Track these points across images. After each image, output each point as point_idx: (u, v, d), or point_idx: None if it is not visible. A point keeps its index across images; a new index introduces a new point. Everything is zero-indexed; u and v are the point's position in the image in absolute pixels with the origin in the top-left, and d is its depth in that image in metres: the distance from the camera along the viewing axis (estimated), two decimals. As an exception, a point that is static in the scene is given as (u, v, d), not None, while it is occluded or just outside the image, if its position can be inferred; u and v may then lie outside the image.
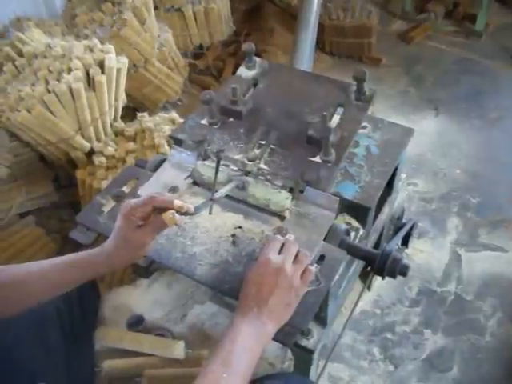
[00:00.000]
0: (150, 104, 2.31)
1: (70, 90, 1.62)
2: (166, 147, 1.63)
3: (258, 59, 1.38)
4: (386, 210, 1.36)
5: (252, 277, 0.85)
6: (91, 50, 1.76)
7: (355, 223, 1.13)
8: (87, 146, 1.75)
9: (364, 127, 1.27)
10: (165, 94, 2.34)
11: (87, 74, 1.69)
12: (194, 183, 1.15)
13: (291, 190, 1.08)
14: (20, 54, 1.83)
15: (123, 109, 1.92)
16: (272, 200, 1.08)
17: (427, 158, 2.23)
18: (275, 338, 0.85)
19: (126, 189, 1.15)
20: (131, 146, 1.71)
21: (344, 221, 1.12)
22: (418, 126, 2.06)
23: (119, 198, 1.12)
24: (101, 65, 1.71)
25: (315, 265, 0.96)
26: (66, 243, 1.83)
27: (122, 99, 1.89)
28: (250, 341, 0.79)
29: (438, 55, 2.91)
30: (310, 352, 1.07)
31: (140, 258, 0.93)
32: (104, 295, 1.62)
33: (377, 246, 1.41)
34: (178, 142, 1.23)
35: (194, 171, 1.14)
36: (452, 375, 1.51)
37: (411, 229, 1.47)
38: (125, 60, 1.79)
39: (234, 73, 1.43)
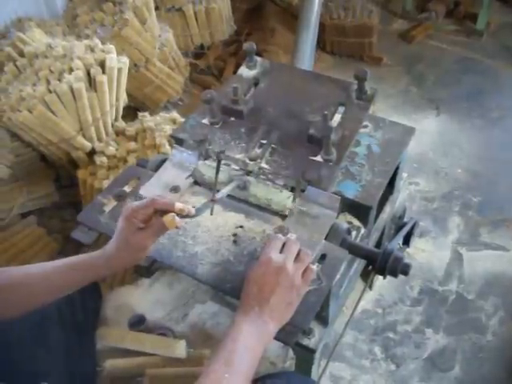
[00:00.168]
0: (151, 104, 2.31)
1: (71, 89, 1.62)
2: (167, 147, 1.63)
3: (258, 59, 1.38)
4: (388, 209, 1.36)
5: (253, 276, 0.85)
6: (92, 49, 1.76)
7: (356, 222, 1.13)
8: (88, 145, 1.76)
9: (365, 126, 1.27)
10: (166, 94, 2.34)
11: (88, 73, 1.69)
12: (195, 183, 1.15)
13: (292, 190, 1.08)
14: (21, 54, 1.83)
15: (124, 108, 1.92)
16: (273, 199, 1.08)
17: (428, 158, 2.23)
18: (277, 338, 0.85)
19: (127, 188, 1.15)
20: (132, 145, 1.71)
21: (345, 220, 1.12)
22: (419, 125, 2.05)
23: (120, 197, 1.13)
24: (102, 65, 1.71)
25: (316, 264, 0.96)
26: (68, 243, 1.83)
27: (123, 99, 1.89)
28: (252, 340, 0.79)
29: (439, 54, 2.90)
30: (312, 351, 1.07)
31: (141, 261, 0.93)
32: (106, 295, 1.63)
33: (378, 245, 1.41)
34: (179, 142, 1.23)
35: (195, 171, 1.14)
36: (454, 374, 1.50)
37: (413, 228, 1.47)
38: (126, 60, 1.80)
39: (235, 72, 1.43)
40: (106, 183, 1.59)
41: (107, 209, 1.12)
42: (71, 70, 1.67)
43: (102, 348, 1.45)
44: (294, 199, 1.08)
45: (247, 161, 1.12)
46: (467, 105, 2.53)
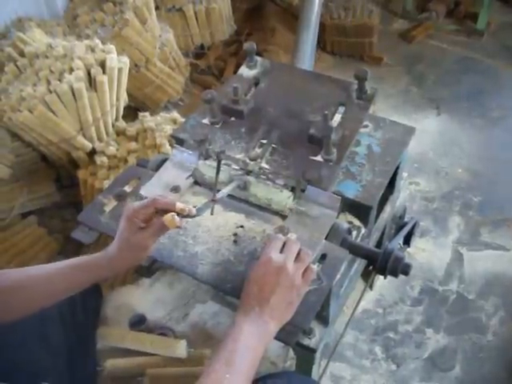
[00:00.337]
0: (151, 104, 2.31)
1: (72, 89, 1.63)
2: (168, 147, 1.63)
3: (259, 58, 1.38)
4: (388, 209, 1.36)
5: (254, 276, 0.85)
6: (92, 50, 1.76)
7: (357, 222, 1.13)
8: (89, 145, 1.76)
9: (365, 126, 1.27)
10: (166, 94, 2.34)
11: (89, 74, 1.69)
12: (196, 183, 1.15)
13: (293, 189, 1.08)
14: (22, 54, 1.83)
15: (125, 108, 1.92)
16: (274, 199, 1.08)
17: (429, 157, 2.23)
18: (277, 337, 0.85)
19: (127, 188, 1.15)
20: (133, 145, 1.71)
21: (346, 220, 1.12)
22: (419, 125, 2.05)
23: (121, 197, 1.13)
24: (102, 65, 1.71)
25: (317, 264, 0.96)
26: (68, 243, 1.83)
27: (124, 99, 1.89)
28: (253, 340, 0.79)
29: (440, 54, 2.90)
30: (312, 351, 1.07)
31: (142, 261, 0.93)
32: (106, 295, 1.63)
33: (379, 244, 1.41)
34: (180, 142, 1.23)
35: (196, 171, 1.14)
36: (454, 374, 1.50)
37: (413, 228, 1.46)
38: (126, 60, 1.80)
39: (235, 72, 1.43)
40: (106, 183, 1.59)
41: (108, 209, 1.12)
42: (72, 70, 1.67)
43: (102, 348, 1.46)
44: (294, 199, 1.08)
45: (247, 161, 1.12)
46: (468, 104, 2.53)
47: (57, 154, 1.79)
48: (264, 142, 1.16)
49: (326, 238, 1.01)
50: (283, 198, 1.08)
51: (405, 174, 1.45)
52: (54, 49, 1.75)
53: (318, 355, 1.13)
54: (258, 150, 1.14)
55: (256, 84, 1.34)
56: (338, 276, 0.99)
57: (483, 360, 1.54)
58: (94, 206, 1.13)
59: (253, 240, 1.02)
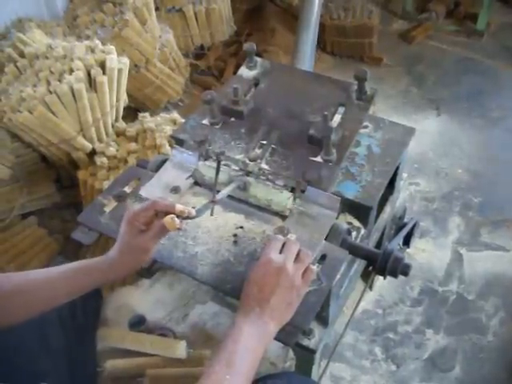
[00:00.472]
0: (151, 104, 2.31)
1: (72, 90, 1.63)
2: (168, 147, 1.63)
3: (259, 59, 1.38)
4: (388, 210, 1.36)
5: (253, 276, 0.85)
6: (92, 50, 1.76)
7: (357, 223, 1.13)
8: (89, 146, 1.76)
9: (365, 127, 1.27)
10: (166, 95, 2.35)
11: (88, 74, 1.69)
12: (196, 183, 1.15)
13: (293, 190, 1.08)
14: (21, 54, 1.83)
15: (124, 109, 1.92)
16: (273, 200, 1.08)
17: (429, 158, 2.23)
18: (277, 338, 0.85)
19: (127, 189, 1.16)
20: (133, 146, 1.71)
21: (345, 220, 1.12)
22: (419, 125, 2.06)
23: (121, 198, 1.13)
24: (102, 65, 1.71)
25: (317, 264, 0.96)
26: (68, 244, 1.83)
27: (124, 100, 1.89)
28: (253, 341, 0.79)
29: (440, 55, 2.91)
30: (312, 352, 1.07)
31: (144, 264, 0.93)
32: (106, 296, 1.63)
33: (378, 245, 1.41)
34: (180, 142, 1.23)
35: (196, 171, 1.14)
36: (454, 375, 1.50)
37: (413, 228, 1.46)
38: (126, 60, 1.80)
39: (235, 73, 1.43)
40: (106, 184, 1.59)
41: (107, 209, 1.12)
42: (71, 71, 1.67)
43: (102, 348, 1.46)
44: (294, 200, 1.08)
45: (247, 161, 1.12)
46: (467, 105, 2.53)
47: (57, 154, 1.79)
48: (264, 142, 1.17)
49: (325, 239, 1.01)
50: (283, 198, 1.08)
51: (405, 175, 1.45)
52: (54, 49, 1.75)
53: (317, 356, 1.13)
54: (258, 151, 1.14)
55: (256, 85, 1.34)
56: (338, 276, 0.99)
57: (483, 360, 1.54)
58: (93, 206, 1.13)
59: (253, 241, 1.02)
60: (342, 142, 1.16)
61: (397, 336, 1.60)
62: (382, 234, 1.40)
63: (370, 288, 1.68)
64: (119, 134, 1.82)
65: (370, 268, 1.07)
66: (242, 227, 1.06)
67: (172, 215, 0.84)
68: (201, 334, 1.57)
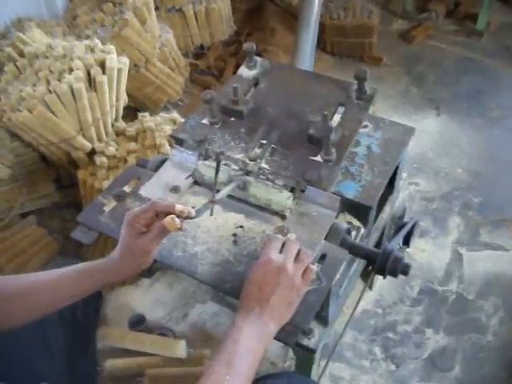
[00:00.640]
0: (151, 104, 2.31)
1: (71, 90, 1.63)
2: (167, 147, 1.63)
3: (258, 59, 1.38)
4: (388, 209, 1.36)
5: (253, 276, 0.85)
6: (92, 50, 1.76)
7: (356, 222, 1.13)
8: (88, 146, 1.76)
9: (365, 126, 1.27)
10: (166, 94, 2.34)
11: (88, 74, 1.69)
12: (195, 183, 1.15)
13: (292, 190, 1.08)
14: (21, 54, 1.83)
15: (124, 109, 1.92)
16: (273, 200, 1.08)
17: (428, 158, 2.23)
18: (277, 337, 0.85)
19: (127, 189, 1.16)
20: (132, 145, 1.71)
21: (345, 220, 1.12)
22: (419, 125, 2.05)
23: (120, 197, 1.13)
24: (102, 65, 1.71)
25: (316, 264, 0.96)
26: (68, 243, 1.83)
27: (123, 99, 1.89)
28: (253, 341, 0.79)
29: (439, 55, 2.91)
30: (312, 351, 1.07)
31: (146, 266, 0.93)
32: (106, 295, 1.63)
33: (378, 245, 1.41)
34: (179, 142, 1.24)
35: (195, 171, 1.14)
36: (454, 374, 1.50)
37: (412, 228, 1.47)
38: (126, 60, 1.80)
39: (234, 73, 1.43)
40: (106, 183, 1.59)
41: (107, 209, 1.12)
42: (71, 71, 1.67)
43: (102, 348, 1.46)
44: (293, 199, 1.08)
45: (247, 161, 1.12)
46: (467, 105, 2.54)
47: (56, 154, 1.79)
48: (263, 142, 1.17)
49: (325, 238, 1.01)
50: (283, 198, 1.08)
51: (404, 175, 1.45)
52: (54, 49, 1.75)
53: (317, 355, 1.13)
54: (258, 151, 1.14)
55: (256, 84, 1.34)
56: (338, 276, 0.99)
57: (483, 360, 1.54)
58: (93, 206, 1.13)
59: (252, 240, 1.03)
60: (342, 142, 1.16)
61: (396, 336, 1.60)
62: (382, 233, 1.40)
63: (370, 288, 1.69)
64: (119, 133, 1.82)
65: (370, 268, 1.07)
66: (241, 227, 1.06)
67: (172, 215, 0.84)
68: (200, 333, 1.57)
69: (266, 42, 2.82)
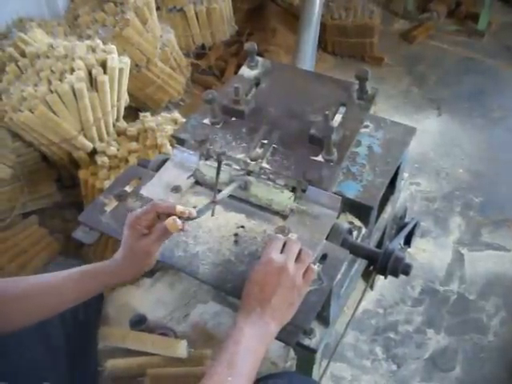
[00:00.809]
0: (152, 104, 2.31)
1: (73, 90, 1.63)
2: (169, 147, 1.63)
3: (260, 59, 1.38)
4: (389, 210, 1.36)
5: (254, 276, 0.85)
6: (93, 50, 1.77)
7: (358, 222, 1.13)
8: (90, 145, 1.76)
9: (366, 126, 1.27)
10: (167, 94, 2.35)
11: (90, 74, 1.69)
12: (197, 183, 1.15)
13: (293, 190, 1.08)
14: (23, 54, 1.83)
15: (126, 109, 1.92)
16: (274, 200, 1.08)
17: (430, 158, 2.23)
18: (278, 337, 0.85)
19: (128, 188, 1.16)
20: (134, 145, 1.71)
21: (346, 220, 1.12)
22: (420, 125, 2.05)
23: (122, 197, 1.13)
24: (103, 65, 1.71)
25: (317, 264, 0.96)
26: (69, 243, 1.83)
27: (125, 99, 1.89)
28: (254, 342, 0.79)
29: (441, 55, 2.90)
30: (313, 351, 1.07)
31: (148, 268, 0.93)
32: (107, 295, 1.63)
33: (379, 245, 1.41)
34: (181, 142, 1.24)
35: (197, 171, 1.14)
36: (455, 375, 1.50)
37: (414, 228, 1.46)
38: (127, 60, 1.80)
39: (236, 73, 1.43)
40: (107, 183, 1.59)
41: (108, 209, 1.12)
42: (72, 71, 1.67)
43: (103, 348, 1.46)
44: (294, 199, 1.08)
45: (248, 161, 1.12)
46: (468, 105, 2.53)
47: (58, 154, 1.79)
48: (265, 142, 1.17)
49: (326, 239, 1.01)
50: (284, 198, 1.08)
51: (405, 175, 1.45)
52: (55, 49, 1.75)
53: (318, 355, 1.13)
54: (259, 150, 1.14)
55: (257, 84, 1.34)
56: (339, 276, 0.99)
57: (484, 360, 1.54)
58: (94, 206, 1.13)
59: (253, 240, 1.03)
60: (343, 142, 1.16)
61: (397, 336, 1.60)
62: (383, 233, 1.39)
63: (371, 288, 1.69)
64: (120, 133, 1.82)
65: (371, 268, 1.07)
66: (242, 227, 1.06)
67: (174, 217, 0.84)
68: (202, 333, 1.57)
69: (267, 41, 2.82)
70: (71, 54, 1.71)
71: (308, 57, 2.38)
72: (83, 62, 1.68)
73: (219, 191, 1.02)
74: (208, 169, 1.13)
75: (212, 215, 0.98)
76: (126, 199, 1.12)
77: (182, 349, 1.43)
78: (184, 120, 1.64)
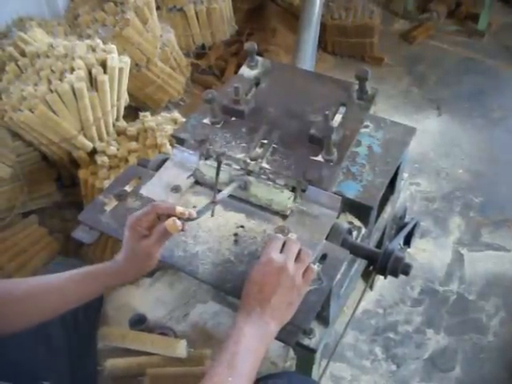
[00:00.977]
0: (152, 104, 2.31)
1: (73, 89, 1.63)
2: (168, 146, 1.64)
3: (260, 59, 1.38)
4: (389, 210, 1.36)
5: (254, 276, 0.85)
6: (93, 49, 1.77)
7: (357, 222, 1.13)
8: (89, 145, 1.76)
9: (366, 126, 1.27)
10: (167, 94, 2.35)
11: (89, 73, 1.69)
12: (196, 182, 1.15)
13: (293, 189, 1.08)
14: (23, 53, 1.83)
15: (125, 108, 1.92)
16: (274, 200, 1.08)
17: (430, 158, 2.23)
18: (277, 337, 0.85)
19: (128, 188, 1.16)
20: (133, 145, 1.71)
21: (346, 220, 1.12)
22: (420, 125, 2.05)
23: (121, 197, 1.13)
24: (103, 64, 1.71)
25: (317, 264, 0.96)
26: (69, 243, 1.83)
27: (125, 99, 1.89)
28: (254, 342, 0.79)
29: (441, 55, 2.90)
30: (312, 351, 1.07)
31: (150, 269, 0.93)
32: (107, 295, 1.63)
33: (379, 245, 1.41)
34: (181, 142, 1.23)
35: (196, 171, 1.14)
36: (455, 375, 1.50)
37: (413, 228, 1.46)
38: (127, 60, 1.80)
39: (236, 72, 1.43)
40: (107, 183, 1.59)
41: (108, 208, 1.12)
42: (72, 70, 1.67)
43: (103, 347, 1.46)
44: (294, 199, 1.08)
45: (248, 160, 1.12)
46: (468, 105, 2.53)
47: (58, 153, 1.79)
48: (265, 141, 1.16)
49: (326, 238, 1.01)
50: (284, 198, 1.07)
51: (405, 175, 1.45)
52: (55, 48, 1.75)
53: (318, 355, 1.13)
54: (259, 150, 1.14)
55: (257, 84, 1.34)
56: (339, 276, 0.99)
57: (483, 360, 1.54)
58: (94, 205, 1.13)
59: (253, 240, 1.02)
60: (343, 142, 1.16)
61: (397, 336, 1.60)
62: (383, 233, 1.39)
63: (371, 288, 1.69)
64: (120, 133, 1.82)
65: (371, 268, 1.07)
66: (242, 226, 1.05)
67: (173, 218, 0.83)
68: (201, 333, 1.57)
69: (267, 41, 2.82)
70: (71, 54, 1.71)
71: (308, 57, 2.38)
72: (83, 61, 1.68)
73: (219, 191, 1.02)
74: (208, 168, 1.13)
75: (212, 215, 0.98)
76: (125, 199, 1.12)
77: (181, 348, 1.43)
78: (184, 120, 1.64)
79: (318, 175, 1.08)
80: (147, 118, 1.79)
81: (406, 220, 1.57)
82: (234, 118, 1.24)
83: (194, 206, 1.04)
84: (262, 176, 1.10)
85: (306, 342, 1.06)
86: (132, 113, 2.06)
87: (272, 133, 1.18)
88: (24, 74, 1.78)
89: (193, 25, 2.56)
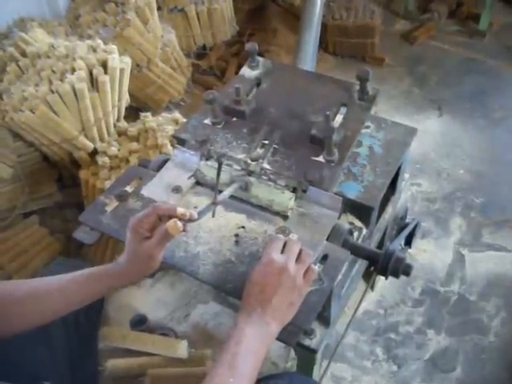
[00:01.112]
0: (153, 104, 2.31)
1: (74, 90, 1.63)
2: (169, 147, 1.64)
3: (261, 59, 1.38)
4: (390, 210, 1.36)
5: (255, 276, 0.85)
6: (94, 50, 1.77)
7: (358, 223, 1.12)
8: (90, 146, 1.76)
9: (367, 127, 1.27)
10: (168, 94, 2.35)
11: (90, 74, 1.69)
12: (197, 183, 1.15)
13: (294, 190, 1.08)
14: (23, 54, 1.83)
15: (126, 109, 1.92)
16: (275, 200, 1.08)
17: (431, 158, 2.23)
18: (278, 338, 0.85)
19: (129, 189, 1.16)
20: (134, 145, 1.71)
21: (347, 220, 1.12)
22: (421, 125, 2.05)
23: (122, 197, 1.13)
24: (104, 65, 1.71)
25: (318, 264, 0.96)
26: (70, 243, 1.83)
27: (125, 99, 1.89)
28: (255, 342, 0.79)
29: (442, 55, 2.90)
30: (313, 352, 1.07)
31: (152, 271, 0.93)
32: (108, 295, 1.63)
33: (380, 245, 1.41)
34: (181, 142, 1.23)
35: (197, 171, 1.14)
36: (455, 375, 1.50)
37: (414, 229, 1.46)
38: (128, 60, 1.80)
39: (237, 73, 1.43)
40: (107, 183, 1.59)
41: (109, 209, 1.12)
42: (73, 71, 1.67)
43: (103, 348, 1.46)
44: (295, 200, 1.08)
45: (249, 161, 1.12)
46: (470, 105, 2.53)
47: (58, 154, 1.79)
48: (266, 142, 1.16)
49: (327, 239, 1.01)
50: (285, 198, 1.07)
51: (406, 175, 1.45)
52: (56, 49, 1.75)
53: (318, 356, 1.13)
54: (260, 151, 1.14)
55: (258, 84, 1.34)
56: (340, 277, 0.99)
57: (485, 361, 1.53)
58: (95, 206, 1.13)
59: (254, 241, 1.02)
60: (344, 142, 1.16)
61: (398, 336, 1.60)
62: (384, 234, 1.39)
63: (372, 288, 1.68)
64: (121, 133, 1.82)
65: (372, 268, 1.07)
66: (243, 227, 1.05)
67: (175, 219, 0.83)
68: (202, 333, 1.57)
69: (268, 42, 2.82)
70: (72, 54, 1.71)
71: (309, 57, 2.38)
72: (84, 62, 1.68)
73: (220, 192, 1.02)
74: (209, 169, 1.13)
75: (213, 216, 0.98)
76: (126, 199, 1.12)
77: (182, 349, 1.43)
78: (185, 120, 1.64)
79: (319, 176, 1.08)
80: (148, 119, 1.79)
81: (407, 220, 1.57)
82: (234, 119, 1.23)
83: (195, 207, 1.04)
84: (263, 176, 1.10)
85: (306, 342, 1.06)
86: (133, 113, 2.06)
87: (273, 133, 1.18)
88: (25, 75, 1.78)
89: (194, 25, 2.56)
